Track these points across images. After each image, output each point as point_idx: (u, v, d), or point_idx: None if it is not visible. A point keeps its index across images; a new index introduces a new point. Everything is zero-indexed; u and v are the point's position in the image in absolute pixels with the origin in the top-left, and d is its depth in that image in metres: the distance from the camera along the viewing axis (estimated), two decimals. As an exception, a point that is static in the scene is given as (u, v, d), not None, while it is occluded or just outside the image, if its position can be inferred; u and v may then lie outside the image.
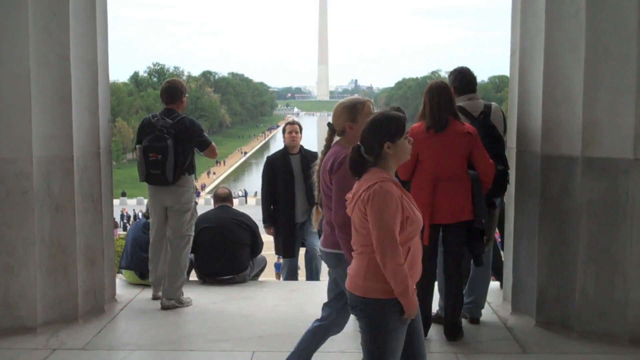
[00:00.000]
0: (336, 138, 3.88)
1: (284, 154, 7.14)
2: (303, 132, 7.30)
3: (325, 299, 4.05)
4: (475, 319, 5.22)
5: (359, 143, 3.26)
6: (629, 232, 4.70)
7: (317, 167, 3.88)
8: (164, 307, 5.64)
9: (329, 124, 3.89)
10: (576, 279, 4.84)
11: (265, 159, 7.39)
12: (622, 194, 4.69)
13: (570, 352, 4.69)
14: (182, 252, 5.76)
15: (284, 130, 7.25)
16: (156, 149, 5.54)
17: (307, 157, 7.01)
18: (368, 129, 3.25)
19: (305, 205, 7.00)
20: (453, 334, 4.84)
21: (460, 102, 5.06)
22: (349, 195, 3.29)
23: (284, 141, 7.20)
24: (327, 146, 3.86)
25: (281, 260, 8.24)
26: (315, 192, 3.94)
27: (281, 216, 7.07)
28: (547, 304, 5.06)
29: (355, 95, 4.14)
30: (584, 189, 4.77)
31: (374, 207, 3.10)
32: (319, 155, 3.91)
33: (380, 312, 3.18)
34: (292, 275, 7.34)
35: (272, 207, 7.14)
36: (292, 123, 7.33)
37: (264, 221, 7.17)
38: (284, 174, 7.02)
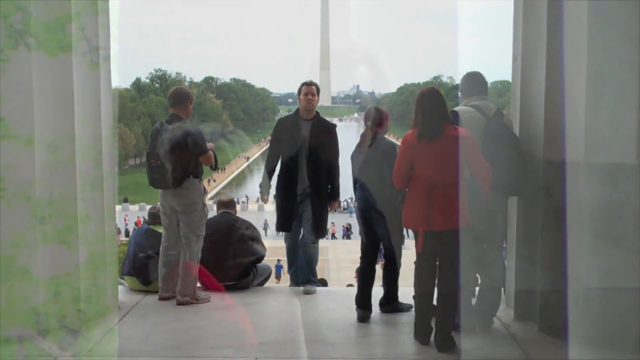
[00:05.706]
0: None
1: (295, 117, 6.46)
2: None
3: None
4: (484, 328, 5.20)
5: None
6: (632, 237, 4.68)
7: None
8: (178, 303, 5.93)
9: None
10: (579, 284, 4.83)
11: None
12: (625, 199, 4.68)
13: (574, 358, 4.67)
14: (192, 250, 6.03)
15: (299, 92, 6.51)
16: (156, 155, 5.91)
17: (320, 126, 6.39)
18: None
19: (306, 180, 6.36)
20: (442, 346, 4.79)
21: (473, 101, 5.16)
22: None
23: (299, 104, 6.49)
24: None
25: (281, 263, 8.06)
26: None
27: (280, 188, 6.51)
28: (550, 310, 5.05)
29: None
30: (587, 194, 4.76)
31: None
32: None
33: None
34: (292, 253, 6.74)
35: (272, 175, 6.53)
36: (309, 84, 6.47)
37: (260, 186, 6.68)
38: (290, 141, 6.37)
